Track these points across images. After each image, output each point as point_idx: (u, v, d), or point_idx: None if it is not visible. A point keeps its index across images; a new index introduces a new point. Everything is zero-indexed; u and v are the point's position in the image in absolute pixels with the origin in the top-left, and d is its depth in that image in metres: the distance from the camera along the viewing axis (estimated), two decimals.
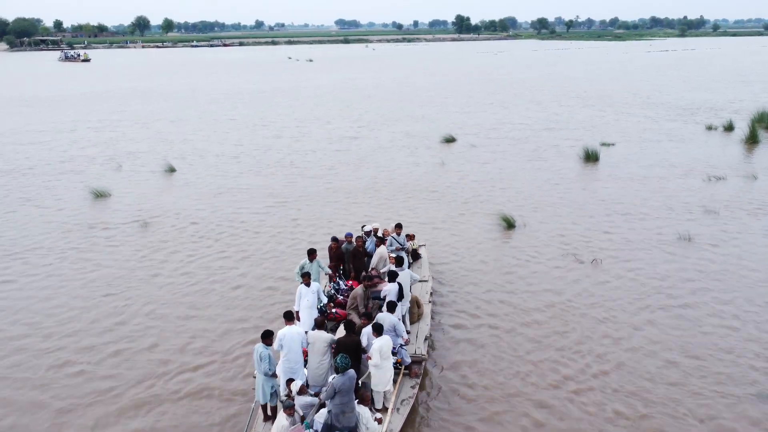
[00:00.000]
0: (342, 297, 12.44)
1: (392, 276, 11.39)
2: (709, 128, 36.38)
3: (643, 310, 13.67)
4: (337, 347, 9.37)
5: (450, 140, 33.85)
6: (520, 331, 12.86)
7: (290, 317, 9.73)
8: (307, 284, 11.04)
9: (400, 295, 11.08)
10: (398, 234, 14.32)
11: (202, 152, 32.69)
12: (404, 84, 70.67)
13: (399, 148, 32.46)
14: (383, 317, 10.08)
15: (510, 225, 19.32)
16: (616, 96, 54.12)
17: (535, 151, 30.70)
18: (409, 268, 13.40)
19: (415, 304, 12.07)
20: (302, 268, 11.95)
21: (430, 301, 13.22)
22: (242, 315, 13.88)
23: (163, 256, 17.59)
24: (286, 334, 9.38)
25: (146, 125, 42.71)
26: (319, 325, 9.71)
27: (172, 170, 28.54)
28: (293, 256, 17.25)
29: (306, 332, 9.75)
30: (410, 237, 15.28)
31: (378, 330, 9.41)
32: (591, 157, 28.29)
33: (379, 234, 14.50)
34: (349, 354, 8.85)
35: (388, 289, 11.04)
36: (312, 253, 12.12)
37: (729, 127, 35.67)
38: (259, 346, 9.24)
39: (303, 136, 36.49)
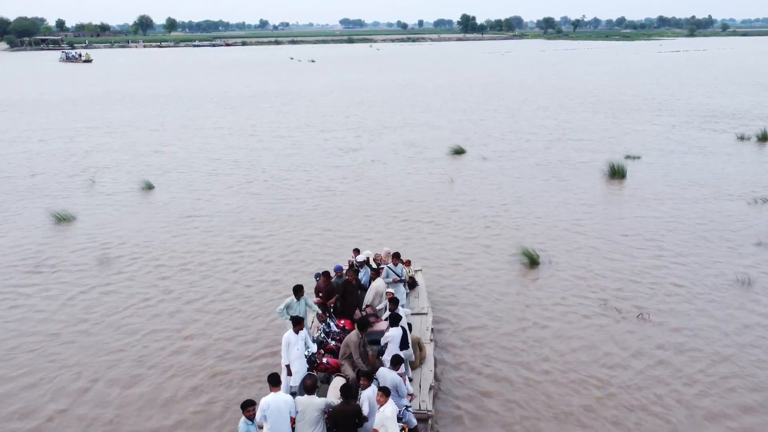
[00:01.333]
0: (333, 342, 10.61)
1: (395, 320, 9.83)
2: (741, 138, 33.28)
3: (729, 393, 10.65)
4: (332, 417, 8.01)
5: (459, 152, 30.88)
6: (542, 414, 10.01)
7: (276, 382, 8.13)
8: (297, 331, 9.43)
9: (405, 343, 9.73)
10: (395, 264, 12.57)
11: (185, 166, 29.82)
12: (407, 87, 67.71)
13: (401, 162, 29.51)
14: (384, 374, 8.64)
15: (533, 262, 16.37)
16: (630, 101, 51.00)
17: (552, 166, 27.68)
18: (406, 297, 12.50)
19: (416, 346, 10.53)
20: (288, 307, 10.50)
21: (431, 340, 11.57)
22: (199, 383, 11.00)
23: (105, 309, 14.60)
24: (270, 403, 7.88)
25: (130, 133, 39.91)
26: (309, 389, 8.14)
27: (149, 187, 25.76)
28: (274, 300, 14.39)
29: (293, 393, 8.64)
30: (406, 263, 13.55)
31: (386, 393, 7.88)
32: (617, 174, 25.28)
33: (371, 261, 13.09)
34: (347, 426, 7.86)
35: (391, 336, 9.64)
36: (299, 291, 10.59)
37: (764, 137, 32.58)
38: (241, 424, 7.67)
39: (295, 148, 33.47)
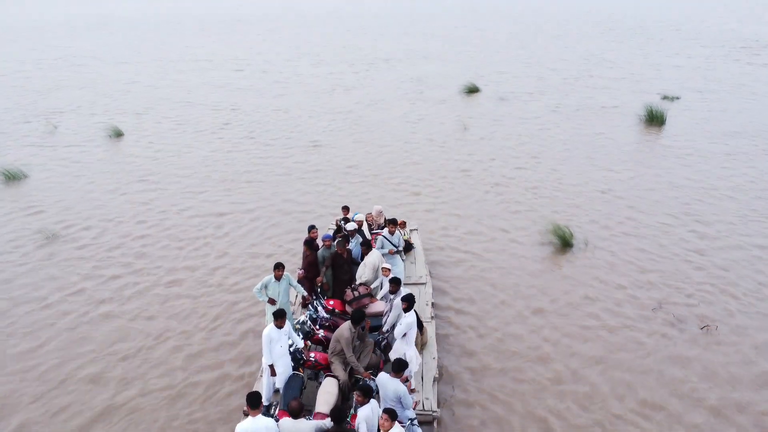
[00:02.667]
0: (323, 332, 8.80)
1: (409, 303, 8.12)
2: None
3: None
4: None
5: (472, 90, 27.18)
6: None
7: (256, 403, 6.43)
8: (280, 326, 7.80)
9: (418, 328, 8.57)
10: (392, 232, 10.72)
11: (159, 108, 26.27)
12: (409, 10, 62.11)
13: (406, 103, 25.90)
14: (384, 383, 7.09)
15: (565, 242, 13.43)
16: (654, 28, 46.26)
17: (578, 110, 24.11)
18: (400, 254, 10.83)
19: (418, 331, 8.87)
20: (265, 287, 8.90)
21: (432, 317, 9.91)
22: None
23: (47, 292, 11.88)
24: (248, 430, 6.35)
25: (97, 66, 35.82)
26: (294, 413, 6.64)
27: (118, 134, 22.46)
28: (254, 277, 11.65)
29: (277, 390, 7.89)
30: (401, 224, 11.99)
31: (393, 417, 6.28)
32: (655, 120, 21.86)
33: (364, 227, 11.33)
34: None
35: (408, 323, 8.00)
36: (279, 268, 8.85)
37: None
38: None
39: (284, 87, 29.66)
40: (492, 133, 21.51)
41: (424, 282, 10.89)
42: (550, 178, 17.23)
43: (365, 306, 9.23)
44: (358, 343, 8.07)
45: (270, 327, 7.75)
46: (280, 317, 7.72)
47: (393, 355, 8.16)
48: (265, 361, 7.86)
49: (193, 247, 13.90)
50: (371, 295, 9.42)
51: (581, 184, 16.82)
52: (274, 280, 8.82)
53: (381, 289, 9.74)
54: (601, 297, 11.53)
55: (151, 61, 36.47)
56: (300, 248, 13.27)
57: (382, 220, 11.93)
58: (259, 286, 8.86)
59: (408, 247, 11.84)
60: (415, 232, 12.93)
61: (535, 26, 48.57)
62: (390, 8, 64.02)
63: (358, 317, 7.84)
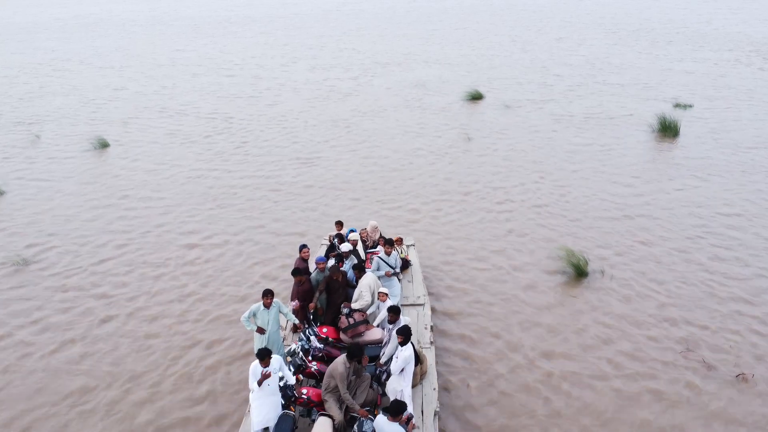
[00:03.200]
0: (316, 365, 8.19)
1: (407, 335, 7.62)
2: None
3: None
4: None
5: (476, 97, 26.05)
6: None
7: None
8: (265, 365, 7.25)
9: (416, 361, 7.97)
10: (388, 252, 10.05)
11: (148, 114, 25.13)
12: (407, 10, 61.00)
13: (406, 111, 24.77)
14: (382, 426, 6.65)
15: (579, 271, 12.32)
16: (660, 29, 45.15)
17: (588, 119, 22.96)
18: (397, 277, 10.13)
19: (417, 358, 8.31)
20: (254, 315, 8.40)
21: (431, 342, 9.28)
22: None
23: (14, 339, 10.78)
24: None
25: (85, 71, 34.66)
26: None
27: (104, 145, 21.34)
28: (239, 307, 10.52)
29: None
30: (397, 241, 11.26)
31: None
32: (668, 130, 20.74)
33: (359, 247, 10.78)
34: None
35: (405, 358, 7.47)
36: (268, 295, 8.36)
37: None
38: None
39: (277, 93, 28.48)
40: (496, 144, 20.39)
41: (422, 303, 10.23)
42: (557, 197, 16.13)
43: (361, 334, 8.66)
44: (353, 378, 7.52)
45: (255, 364, 7.25)
46: (263, 358, 7.13)
47: (388, 392, 7.69)
48: (253, 399, 7.22)
49: (173, 276, 12.78)
50: (367, 322, 8.82)
51: (592, 203, 15.71)
52: (263, 307, 8.29)
53: (377, 312, 9.16)
54: (618, 337, 10.45)
55: (140, 66, 35.30)
56: (289, 270, 12.17)
57: (377, 236, 11.33)
58: (246, 314, 8.25)
59: (405, 264, 11.19)
60: (412, 248, 12.23)
61: (536, 28, 47.45)
62: (388, 8, 62.88)
63: (355, 352, 7.29)
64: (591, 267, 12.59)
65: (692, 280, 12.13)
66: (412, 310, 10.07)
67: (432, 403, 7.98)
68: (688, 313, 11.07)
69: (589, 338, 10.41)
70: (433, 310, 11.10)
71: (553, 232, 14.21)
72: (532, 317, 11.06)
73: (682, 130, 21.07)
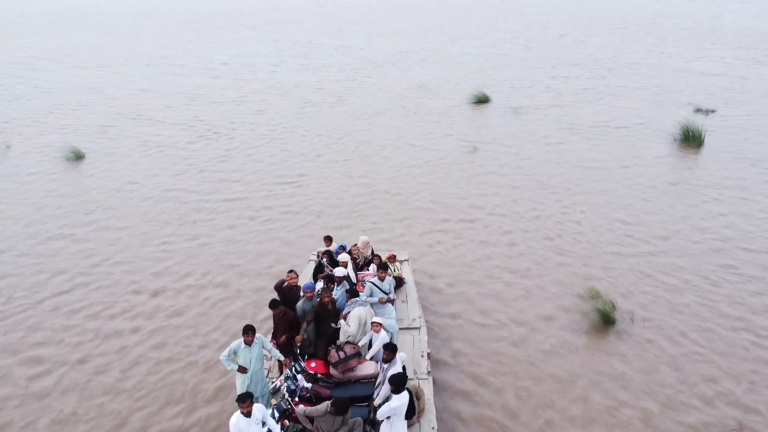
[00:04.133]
0: (303, 407, 7.24)
1: (399, 384, 6.80)
2: None
3: None
4: None
5: (482, 100, 24.22)
6: None
7: None
8: (247, 413, 6.47)
9: (410, 411, 6.95)
10: (382, 278, 9.23)
11: (125, 121, 23.20)
12: (403, 4, 58.96)
13: (403, 117, 22.91)
14: None
15: (606, 319, 10.58)
16: (668, 24, 43.30)
17: (599, 128, 21.14)
18: (392, 303, 9.27)
19: (414, 397, 7.55)
20: (234, 353, 7.67)
21: (428, 372, 8.67)
22: None
23: None
24: None
25: (60, 70, 32.66)
26: None
27: (78, 157, 19.52)
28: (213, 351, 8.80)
29: None
30: (390, 259, 10.73)
31: None
32: (691, 140, 18.99)
33: (349, 270, 9.81)
34: None
35: (396, 407, 6.68)
36: (249, 333, 7.62)
37: None
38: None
39: (263, 96, 26.43)
40: (503, 158, 18.50)
41: (418, 326, 9.50)
42: (572, 225, 14.25)
43: (353, 369, 7.97)
44: (341, 427, 6.83)
45: (237, 415, 6.60)
46: (243, 401, 6.51)
47: None
48: None
49: (134, 325, 10.99)
50: (359, 354, 8.12)
51: (610, 233, 13.82)
52: (243, 345, 7.62)
53: (369, 344, 8.42)
54: (655, 411, 8.71)
55: (120, 66, 33.27)
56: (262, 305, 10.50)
57: (369, 252, 10.64)
58: (226, 353, 7.59)
59: (399, 283, 10.51)
60: (406, 263, 11.41)
61: (539, 22, 45.56)
62: (384, 1, 60.85)
63: (340, 407, 6.68)
64: (619, 311, 10.86)
65: (736, 328, 10.41)
66: (407, 335, 9.31)
67: None
68: (735, 370, 9.36)
69: (621, 413, 8.69)
70: (428, 310, 10.27)
71: (568, 267, 12.43)
72: (549, 383, 9.32)
73: (706, 139, 19.30)
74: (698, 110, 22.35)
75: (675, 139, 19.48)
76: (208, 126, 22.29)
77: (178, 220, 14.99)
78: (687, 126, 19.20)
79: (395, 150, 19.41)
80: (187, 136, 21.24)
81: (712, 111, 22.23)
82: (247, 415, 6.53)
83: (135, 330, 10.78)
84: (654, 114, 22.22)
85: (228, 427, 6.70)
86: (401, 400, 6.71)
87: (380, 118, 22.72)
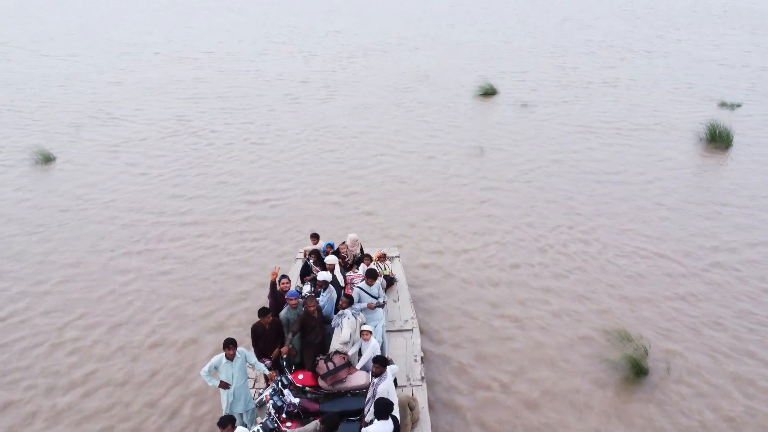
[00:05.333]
0: (291, 426, 6.87)
1: (383, 411, 6.29)
2: None
3: None
4: None
5: (489, 93, 22.37)
6: None
7: None
8: None
9: None
10: (370, 283, 8.73)
11: (93, 120, 21.10)
12: None
13: (402, 112, 21.03)
14: None
15: (638, 369, 8.95)
16: (673, 3, 41.34)
17: (613, 126, 19.33)
18: (382, 308, 8.69)
19: (406, 407, 7.11)
20: (215, 368, 7.24)
21: (422, 378, 8.11)
22: None
23: None
24: None
25: (26, 59, 30.39)
26: None
27: (47, 160, 17.65)
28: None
29: None
30: (380, 257, 10.38)
31: None
32: (719, 139, 17.30)
33: (337, 272, 9.09)
34: None
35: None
36: (230, 346, 7.17)
37: None
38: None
39: (249, 92, 24.12)
40: (511, 163, 16.60)
41: (410, 328, 9.10)
42: (593, 254, 12.42)
43: (343, 380, 7.57)
44: None
45: None
46: (225, 426, 6.23)
47: None
48: None
49: (98, 357, 9.26)
50: (350, 364, 7.72)
51: (637, 265, 11.94)
52: (225, 360, 7.23)
53: (359, 353, 8.01)
54: None
55: (94, 55, 30.95)
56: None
57: (357, 250, 10.24)
58: (207, 368, 7.19)
59: (389, 281, 10.14)
60: (397, 260, 10.90)
61: (540, 6, 43.47)
62: None
63: (331, 425, 6.34)
64: (651, 360, 9.23)
65: None
66: (399, 337, 8.93)
67: None
68: None
69: None
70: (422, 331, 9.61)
71: (589, 299, 10.79)
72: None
73: (735, 138, 17.61)
74: (723, 105, 20.62)
75: (700, 139, 17.78)
76: (185, 126, 20.23)
77: (140, 246, 13.19)
78: (713, 125, 17.49)
79: (391, 154, 17.57)
80: (161, 139, 19.18)
81: (738, 105, 20.51)
82: None
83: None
84: (673, 109, 20.47)
85: None
86: (380, 428, 6.19)
87: (374, 114, 20.81)
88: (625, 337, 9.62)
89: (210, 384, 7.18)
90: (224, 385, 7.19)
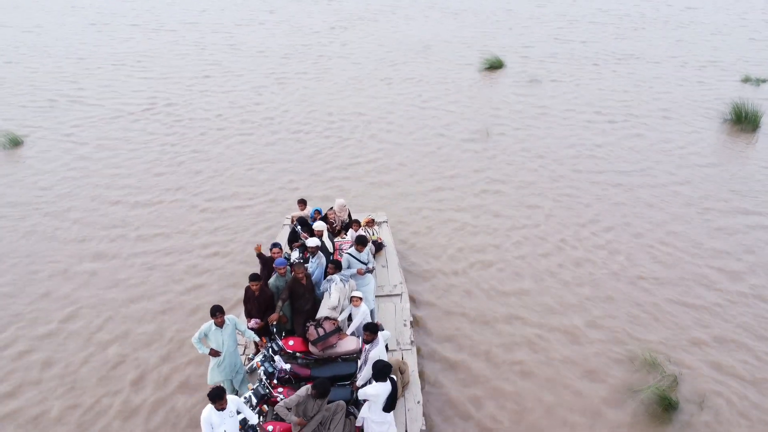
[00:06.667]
0: (282, 391, 6.93)
1: (381, 373, 6.36)
2: None
3: None
4: None
5: (495, 66, 20.87)
6: None
7: None
8: (221, 408, 6.08)
9: (391, 402, 6.37)
10: (360, 249, 8.54)
11: (56, 103, 19.37)
12: None
13: (396, 86, 19.57)
14: None
15: (666, 403, 7.86)
16: None
17: (630, 106, 17.92)
18: (371, 273, 8.70)
19: (397, 371, 7.25)
20: (205, 336, 7.22)
21: (411, 342, 8.22)
22: None
23: None
24: None
25: None
26: None
27: (15, 143, 16.39)
28: None
29: None
30: (368, 222, 10.17)
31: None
32: (745, 120, 15.97)
33: (325, 238, 9.10)
34: None
35: (375, 394, 6.31)
36: (218, 314, 7.12)
37: None
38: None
39: (228, 67, 22.54)
40: (518, 150, 15.17)
41: (399, 293, 9.13)
42: (616, 268, 11.28)
43: (333, 345, 7.61)
44: (320, 410, 6.42)
45: (208, 408, 6.13)
46: (216, 399, 6.02)
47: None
48: None
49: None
50: (339, 330, 7.70)
51: (664, 278, 10.63)
52: (214, 327, 7.22)
53: (348, 315, 8.03)
54: None
55: (59, 26, 28.98)
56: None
57: (345, 216, 10.26)
58: (196, 336, 7.19)
59: (378, 246, 10.08)
60: (385, 225, 10.98)
61: None
62: None
63: (321, 389, 6.22)
64: (681, 392, 8.16)
65: None
66: (389, 302, 8.95)
67: (417, 420, 6.98)
68: None
69: None
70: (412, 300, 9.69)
71: (612, 318, 9.64)
72: None
73: (763, 119, 16.25)
74: (746, 80, 19.16)
75: (724, 120, 16.43)
76: (158, 110, 18.58)
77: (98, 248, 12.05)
78: (738, 104, 16.12)
79: (385, 130, 16.26)
80: (128, 126, 17.48)
81: (763, 81, 19.06)
82: (220, 410, 6.11)
83: None
84: (693, 85, 19.02)
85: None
86: (379, 389, 6.28)
87: (371, 90, 19.34)
88: (650, 363, 8.54)
89: (201, 351, 7.13)
90: (214, 353, 7.17)
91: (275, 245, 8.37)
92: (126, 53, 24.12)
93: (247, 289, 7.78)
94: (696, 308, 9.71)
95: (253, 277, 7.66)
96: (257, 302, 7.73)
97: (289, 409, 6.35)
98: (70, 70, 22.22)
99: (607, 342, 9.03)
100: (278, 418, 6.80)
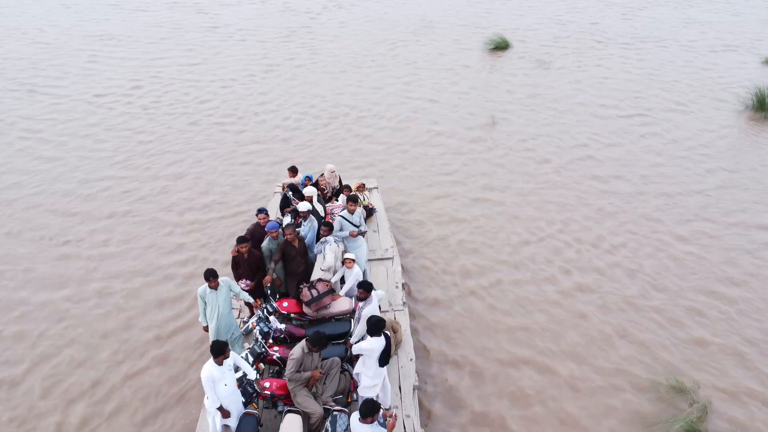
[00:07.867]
0: (278, 351, 7.07)
1: (376, 327, 6.36)
2: None
3: None
4: None
5: (501, 47, 19.76)
6: None
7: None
8: (220, 363, 6.21)
9: (386, 356, 6.39)
10: (352, 211, 8.48)
11: (15, 94, 17.74)
12: None
13: (397, 71, 18.44)
14: (355, 426, 5.75)
15: None
16: None
17: (650, 92, 16.72)
18: (363, 236, 8.67)
19: (390, 330, 7.35)
20: (203, 299, 7.29)
21: (404, 303, 8.41)
22: None
23: None
24: None
25: None
26: None
27: None
28: None
29: None
30: (359, 188, 10.27)
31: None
32: (766, 108, 14.98)
33: (315, 202, 9.07)
34: None
35: (369, 349, 6.31)
36: (211, 278, 7.16)
37: None
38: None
39: (217, 49, 21.12)
40: (526, 143, 14.04)
41: (391, 256, 9.30)
42: (639, 284, 10.48)
43: (326, 306, 7.65)
44: (319, 365, 6.54)
45: (209, 365, 6.22)
46: (218, 353, 6.12)
47: (360, 392, 6.50)
48: (210, 405, 6.26)
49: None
50: (333, 291, 7.74)
51: (689, 299, 9.45)
52: (209, 290, 7.21)
53: (340, 276, 8.04)
54: None
55: (22, 5, 27.39)
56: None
57: (336, 182, 10.27)
58: (201, 306, 7.27)
59: (369, 212, 10.21)
60: (375, 191, 11.13)
61: None
62: None
63: (317, 341, 6.31)
64: (710, 421, 7.40)
65: None
66: (380, 266, 9.10)
67: (410, 376, 7.19)
68: None
69: None
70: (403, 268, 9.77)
71: (633, 334, 8.75)
72: None
73: None
74: (766, 62, 18.08)
75: (746, 107, 15.42)
76: (130, 101, 17.07)
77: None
78: (761, 91, 15.10)
79: (378, 121, 15.25)
80: (97, 122, 15.95)
81: None
82: (220, 364, 6.23)
83: None
84: (708, 68, 17.92)
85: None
86: (374, 344, 6.31)
87: (368, 73, 18.21)
88: (679, 389, 7.72)
89: (204, 324, 7.30)
90: (207, 330, 7.36)
91: (261, 210, 8.40)
92: (103, 37, 22.70)
93: (235, 254, 7.80)
94: (722, 328, 8.90)
95: (241, 240, 7.68)
96: (247, 264, 7.76)
97: (298, 372, 6.33)
98: (27, 61, 20.68)
99: (629, 359, 8.24)
100: (275, 376, 6.98)
